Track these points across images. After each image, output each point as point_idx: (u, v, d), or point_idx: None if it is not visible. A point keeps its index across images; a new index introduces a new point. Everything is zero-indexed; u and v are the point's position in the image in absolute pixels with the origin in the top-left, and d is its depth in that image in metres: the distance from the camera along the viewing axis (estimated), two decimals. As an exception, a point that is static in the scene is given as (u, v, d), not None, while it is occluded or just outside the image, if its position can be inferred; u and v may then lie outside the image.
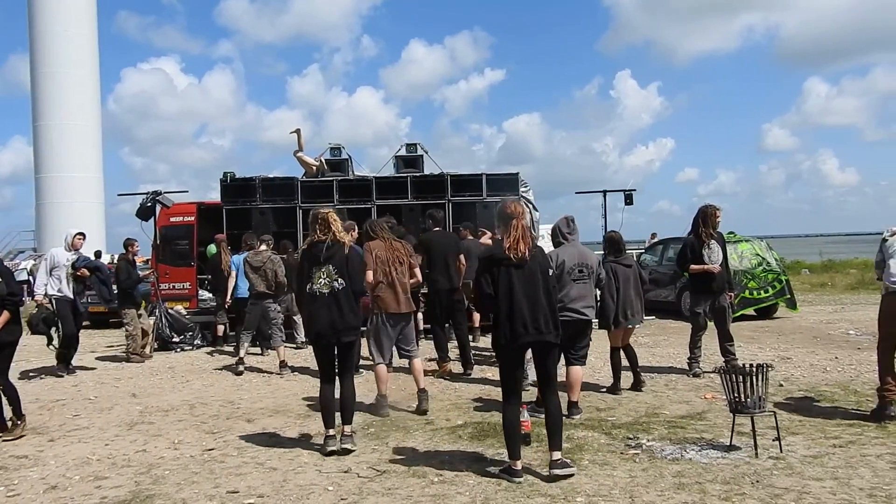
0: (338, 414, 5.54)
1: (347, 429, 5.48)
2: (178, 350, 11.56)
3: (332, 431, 5.45)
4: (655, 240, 18.92)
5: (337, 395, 5.58)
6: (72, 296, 9.33)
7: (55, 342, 9.25)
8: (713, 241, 7.80)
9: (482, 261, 4.80)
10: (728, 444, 5.18)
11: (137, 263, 28.64)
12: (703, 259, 7.80)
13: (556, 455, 4.65)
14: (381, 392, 6.72)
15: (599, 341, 10.42)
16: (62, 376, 9.35)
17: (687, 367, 8.09)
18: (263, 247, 9.58)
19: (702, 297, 7.99)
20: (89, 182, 39.77)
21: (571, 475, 4.60)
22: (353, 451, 5.34)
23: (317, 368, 5.75)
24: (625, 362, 7.35)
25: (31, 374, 9.79)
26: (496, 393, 7.13)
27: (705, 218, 7.87)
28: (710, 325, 8.04)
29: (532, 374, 6.16)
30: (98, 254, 26.29)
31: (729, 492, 4.32)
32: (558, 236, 6.48)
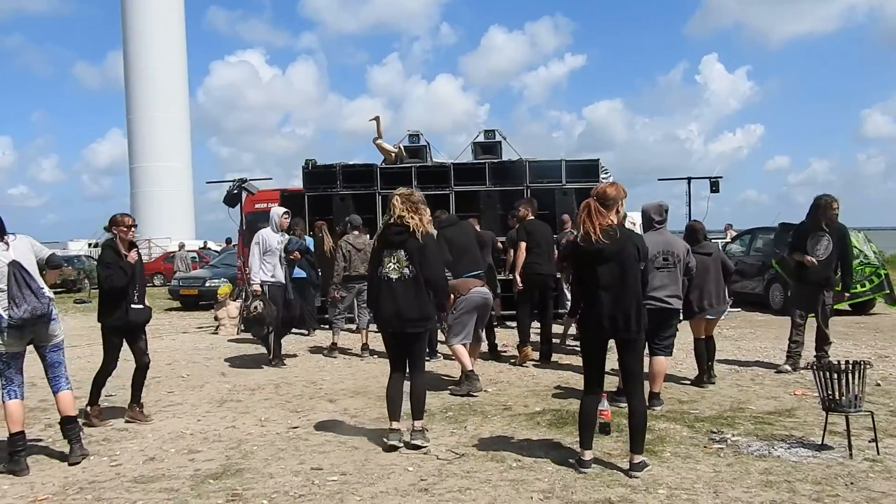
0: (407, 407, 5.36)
1: (417, 424, 5.23)
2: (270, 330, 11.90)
3: (395, 425, 5.21)
4: (730, 231, 18.31)
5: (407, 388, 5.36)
6: (284, 281, 8.75)
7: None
8: (823, 234, 7.47)
9: (573, 249, 4.72)
10: (820, 443, 4.98)
11: (216, 248, 29.56)
12: (807, 249, 7.51)
13: (637, 458, 4.52)
14: (467, 368, 6.82)
15: (684, 332, 10.23)
16: (275, 365, 8.76)
17: (775, 363, 7.82)
18: (356, 231, 9.64)
19: (799, 289, 7.73)
20: (179, 171, 41.63)
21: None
22: (423, 447, 5.11)
23: None
24: (720, 356, 7.17)
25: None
26: (575, 381, 7.11)
27: (817, 209, 7.53)
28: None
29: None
30: (228, 241, 27.32)
31: (820, 493, 4.16)
32: (649, 223, 6.34)
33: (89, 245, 39.40)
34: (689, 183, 13.80)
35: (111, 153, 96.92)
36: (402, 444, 5.15)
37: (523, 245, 8.34)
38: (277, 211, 9.00)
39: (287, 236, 9.06)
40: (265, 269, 8.63)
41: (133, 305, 6.15)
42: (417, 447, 5.10)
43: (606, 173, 12.93)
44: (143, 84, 40.62)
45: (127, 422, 6.15)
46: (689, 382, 7.17)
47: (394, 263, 5.16)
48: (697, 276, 6.86)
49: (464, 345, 7.00)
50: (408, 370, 5.35)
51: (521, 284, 8.40)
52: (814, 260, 7.43)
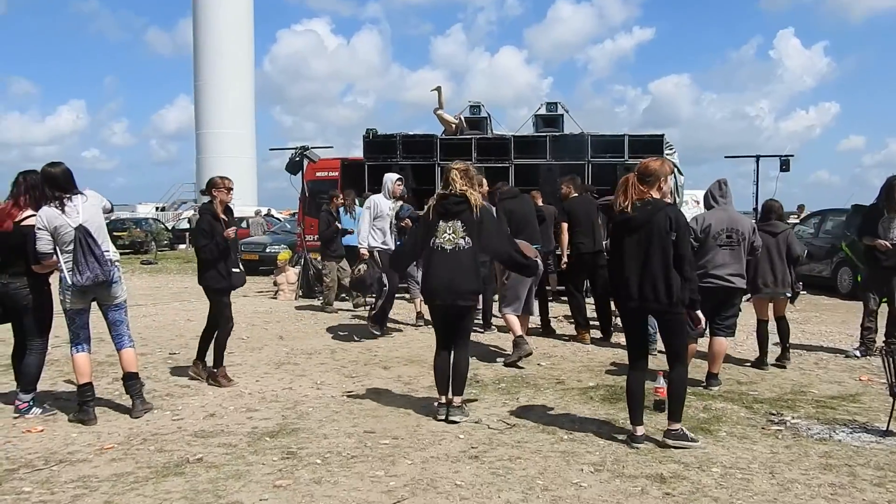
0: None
1: (457, 399, 5.16)
2: (320, 298, 12.15)
3: (444, 398, 5.18)
4: (803, 212, 17.69)
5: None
6: (393, 247, 8.56)
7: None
8: (894, 217, 7.16)
9: (613, 226, 4.70)
10: (885, 429, 4.81)
11: (284, 217, 30.26)
12: (878, 232, 7.22)
13: (675, 426, 4.49)
14: (516, 334, 6.89)
15: (746, 314, 9.98)
16: (376, 336, 8.54)
17: (841, 348, 7.57)
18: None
19: (872, 273, 7.46)
20: (243, 138, 42.37)
21: (684, 448, 4.45)
22: (459, 422, 5.03)
23: None
24: (774, 338, 6.97)
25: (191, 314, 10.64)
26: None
27: (890, 190, 7.23)
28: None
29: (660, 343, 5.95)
30: (268, 211, 27.87)
31: (883, 478, 4.03)
32: (710, 200, 6.22)
33: (157, 209, 40.74)
34: (757, 161, 13.30)
35: (179, 119, 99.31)
36: (447, 420, 5.10)
37: (565, 226, 8.24)
38: (391, 177, 8.85)
39: (399, 203, 8.96)
40: (374, 235, 8.58)
41: (234, 269, 6.26)
42: (455, 423, 5.03)
43: (671, 149, 12.61)
44: (211, 51, 41.35)
45: (210, 383, 6.23)
46: (749, 364, 6.99)
47: (449, 234, 5.06)
48: (761, 253, 6.67)
49: (516, 315, 6.99)
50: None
51: (563, 265, 8.33)
52: (887, 244, 7.12)
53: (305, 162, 12.81)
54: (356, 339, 8.47)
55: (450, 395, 5.18)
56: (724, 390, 5.98)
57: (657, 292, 4.38)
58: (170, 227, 32.00)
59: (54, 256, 5.02)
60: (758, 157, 13.36)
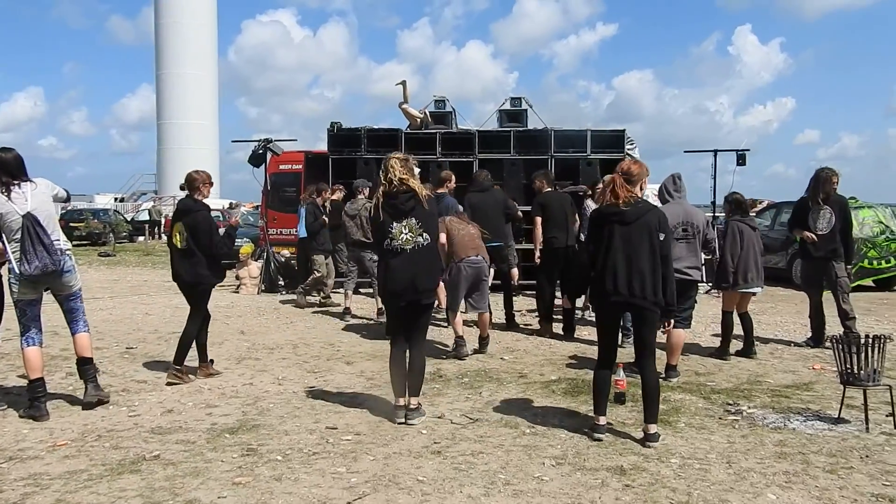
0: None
1: (414, 401, 4.98)
2: (284, 292, 12.06)
3: (402, 401, 5.00)
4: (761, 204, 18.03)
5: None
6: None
7: None
8: (824, 208, 7.35)
9: (591, 216, 4.72)
10: (836, 416, 4.94)
11: (247, 209, 29.97)
12: (808, 224, 7.40)
13: (652, 429, 4.49)
14: (458, 333, 7.04)
15: (703, 305, 10.14)
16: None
17: (795, 338, 7.76)
18: (363, 195, 9.67)
19: (807, 264, 7.76)
20: (205, 129, 41.79)
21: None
22: (417, 424, 4.87)
23: None
24: (738, 330, 7.09)
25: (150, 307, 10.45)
26: (592, 351, 7.06)
27: (817, 182, 7.42)
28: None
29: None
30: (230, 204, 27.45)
31: (835, 465, 4.13)
32: (664, 194, 6.33)
33: (115, 199, 39.93)
34: (715, 155, 13.52)
35: (141, 108, 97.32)
36: (405, 423, 4.95)
37: (539, 220, 8.25)
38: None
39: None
40: None
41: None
42: (413, 425, 4.88)
43: (632, 144, 12.73)
44: (173, 40, 40.68)
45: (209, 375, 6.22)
46: (708, 355, 7.11)
47: (406, 234, 4.85)
48: (745, 247, 6.79)
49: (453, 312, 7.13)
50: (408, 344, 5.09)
51: (538, 259, 8.35)
52: (813, 236, 7.34)
53: (269, 155, 12.65)
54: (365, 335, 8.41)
55: (405, 399, 5.00)
56: (683, 381, 6.08)
57: (644, 288, 4.42)
58: (129, 219, 31.40)
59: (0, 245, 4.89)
60: (715, 152, 13.58)
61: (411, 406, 4.99)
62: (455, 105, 13.36)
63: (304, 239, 11.73)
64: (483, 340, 7.33)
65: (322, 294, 10.95)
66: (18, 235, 4.84)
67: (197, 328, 6.20)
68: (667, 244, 4.59)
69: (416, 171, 5.09)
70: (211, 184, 6.21)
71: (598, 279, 4.56)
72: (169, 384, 5.94)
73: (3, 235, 4.89)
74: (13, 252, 4.87)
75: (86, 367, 5.28)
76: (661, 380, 5.94)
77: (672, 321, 4.95)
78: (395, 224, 4.87)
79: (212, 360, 6.44)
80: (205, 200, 6.22)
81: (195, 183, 6.12)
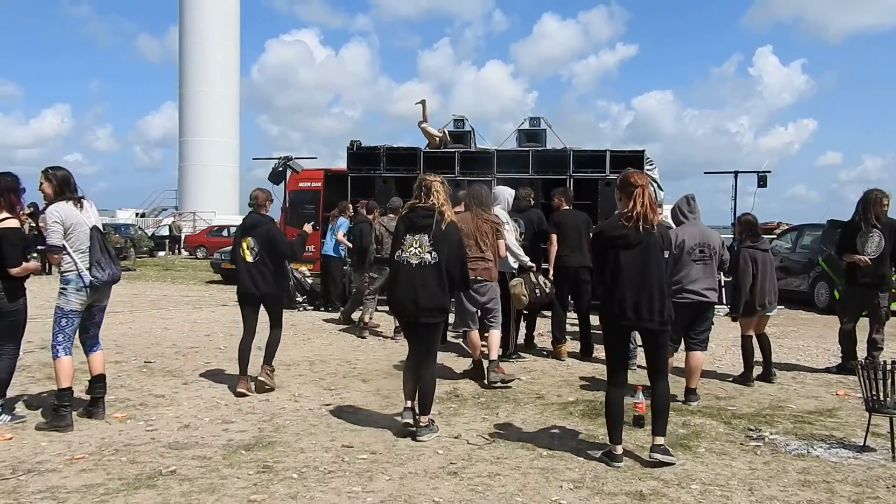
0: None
1: (423, 419, 5.02)
2: (301, 309, 12.08)
3: (409, 403, 5.11)
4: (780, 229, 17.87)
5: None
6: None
7: None
8: (873, 231, 7.13)
9: (595, 236, 4.66)
10: (861, 444, 4.84)
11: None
12: (857, 247, 7.22)
13: (659, 440, 4.45)
14: (476, 357, 6.89)
15: (721, 328, 10.02)
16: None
17: (818, 362, 7.63)
18: (393, 214, 9.68)
19: (850, 290, 7.44)
20: (227, 147, 42.24)
21: (671, 464, 4.41)
22: (425, 441, 4.88)
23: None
24: (757, 353, 6.99)
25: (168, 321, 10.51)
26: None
27: (867, 204, 7.18)
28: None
29: (641, 358, 5.92)
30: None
31: (860, 494, 4.04)
32: (678, 215, 6.25)
33: (136, 214, 40.34)
34: (735, 177, 13.47)
35: (165, 125, 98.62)
36: (414, 434, 4.98)
37: (554, 237, 8.14)
38: (509, 191, 8.13)
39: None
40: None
41: None
42: (423, 442, 4.87)
43: (651, 164, 12.71)
44: (196, 59, 41.30)
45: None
46: (730, 379, 7.00)
47: (415, 248, 4.96)
48: (759, 272, 6.70)
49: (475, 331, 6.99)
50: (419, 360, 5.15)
51: (551, 278, 8.24)
52: (866, 259, 7.14)
53: (288, 172, 12.75)
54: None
55: (416, 406, 5.09)
56: (703, 405, 5.99)
57: (652, 311, 4.37)
58: (150, 234, 31.70)
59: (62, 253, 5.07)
60: (736, 174, 13.51)
61: (421, 423, 5.01)
62: (474, 124, 13.43)
63: (330, 257, 11.80)
64: (490, 364, 6.64)
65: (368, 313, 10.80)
66: (86, 246, 5.10)
67: (279, 334, 6.67)
68: (669, 262, 4.55)
69: (441, 192, 5.10)
70: (271, 201, 6.78)
71: (605, 303, 4.51)
72: (260, 383, 6.29)
73: (69, 247, 5.07)
74: (82, 261, 5.08)
75: (101, 383, 5.42)
76: (681, 403, 5.92)
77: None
78: (408, 236, 5.02)
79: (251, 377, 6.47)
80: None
81: (260, 200, 6.57)
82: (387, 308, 10.38)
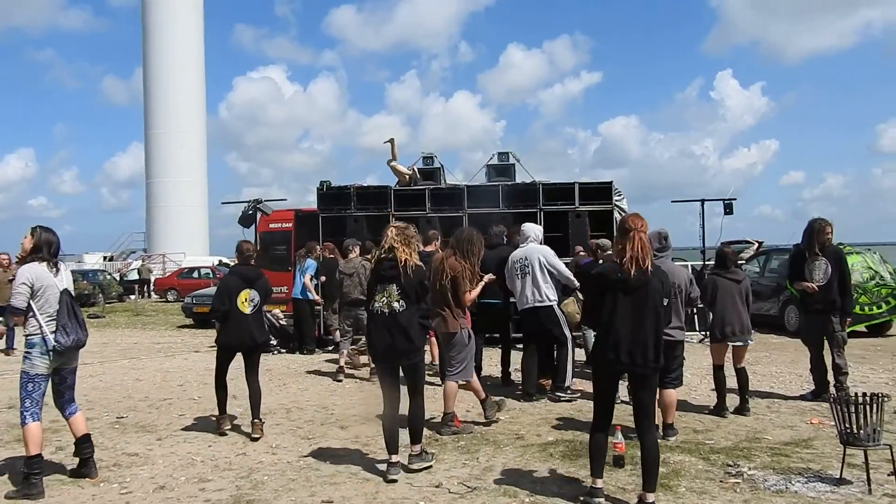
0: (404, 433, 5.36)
1: (416, 448, 5.31)
2: (276, 352, 11.96)
3: (395, 458, 5.19)
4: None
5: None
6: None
7: None
8: (819, 259, 7.37)
9: (591, 278, 4.67)
10: (838, 476, 4.89)
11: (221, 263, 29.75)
12: (805, 275, 7.44)
13: (650, 497, 4.40)
14: (482, 396, 6.77)
15: (696, 356, 10.13)
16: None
17: (791, 389, 7.73)
18: (355, 253, 9.74)
19: (807, 318, 7.68)
20: (195, 186, 41.93)
21: None
22: (421, 470, 5.19)
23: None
24: (732, 383, 7.05)
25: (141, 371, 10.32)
26: (589, 408, 7.01)
27: (811, 233, 7.46)
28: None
29: (624, 392, 5.95)
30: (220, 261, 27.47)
31: (839, 530, 4.08)
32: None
33: (104, 258, 39.73)
34: (702, 205, 13.68)
35: (132, 166, 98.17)
36: (399, 476, 5.12)
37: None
38: (537, 228, 8.15)
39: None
40: (549, 290, 7.69)
41: None
42: (417, 471, 5.15)
43: (620, 195, 12.90)
44: (161, 100, 41.13)
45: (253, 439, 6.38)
46: (706, 412, 7.04)
47: (385, 298, 5.25)
48: (720, 301, 6.81)
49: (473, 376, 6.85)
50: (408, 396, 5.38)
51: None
52: (813, 286, 7.33)
53: (259, 214, 12.70)
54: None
55: (399, 454, 5.24)
56: (682, 440, 6.02)
57: (646, 356, 4.37)
58: (119, 278, 31.18)
59: (26, 315, 5.01)
60: (703, 202, 13.74)
61: (413, 452, 5.27)
62: (443, 154, 13.65)
63: (300, 300, 11.82)
64: (444, 417, 6.54)
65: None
66: (56, 309, 5.03)
67: (258, 383, 6.74)
68: (669, 309, 4.55)
69: (414, 241, 5.39)
70: (258, 251, 6.86)
71: (599, 346, 4.51)
72: (255, 439, 6.33)
73: (36, 309, 5.00)
74: (48, 325, 5.00)
75: (87, 444, 5.34)
76: (660, 439, 5.91)
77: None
78: (378, 286, 5.32)
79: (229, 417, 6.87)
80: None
81: (250, 251, 6.87)
82: (363, 348, 10.43)
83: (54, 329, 5.01)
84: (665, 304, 4.54)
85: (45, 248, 5.17)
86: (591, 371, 4.78)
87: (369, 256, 9.51)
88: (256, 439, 6.32)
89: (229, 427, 6.63)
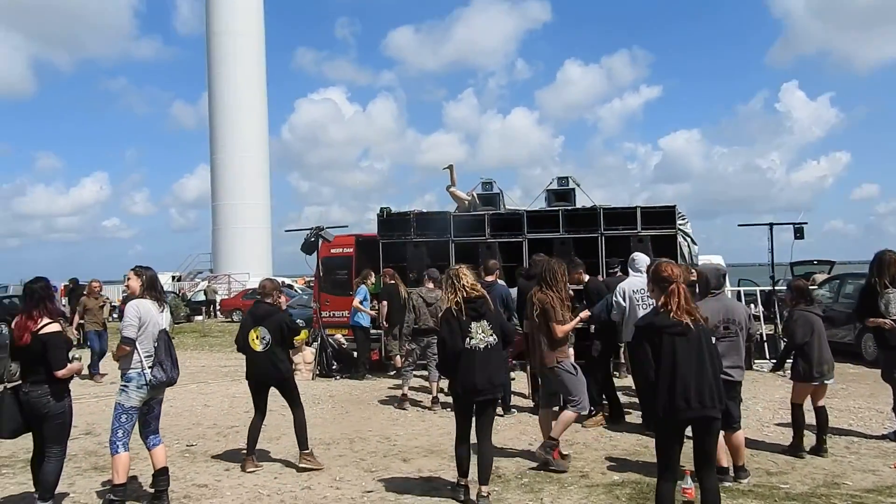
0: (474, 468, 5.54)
1: (484, 489, 5.41)
2: (338, 378, 12.09)
3: (463, 481, 5.56)
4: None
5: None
6: None
7: None
8: (891, 291, 7.01)
9: (640, 329, 4.51)
10: (925, 529, 4.64)
11: (299, 286, 30.38)
12: (880, 310, 7.04)
13: None
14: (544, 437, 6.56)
15: (766, 387, 9.79)
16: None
17: (871, 427, 7.39)
18: (431, 284, 9.74)
19: (887, 354, 7.22)
20: (258, 209, 42.93)
21: None
22: None
23: None
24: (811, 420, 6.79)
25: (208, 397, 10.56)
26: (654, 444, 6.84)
27: (881, 265, 7.09)
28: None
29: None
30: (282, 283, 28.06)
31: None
32: (705, 287, 6.04)
33: (173, 278, 40.96)
34: (770, 229, 13.21)
35: (199, 187, 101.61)
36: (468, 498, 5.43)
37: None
38: (644, 259, 8.18)
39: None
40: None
41: None
42: None
43: (683, 219, 12.62)
44: (225, 125, 42.35)
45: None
46: (779, 450, 6.78)
47: (481, 334, 5.46)
48: (815, 338, 6.57)
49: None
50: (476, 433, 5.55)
51: None
52: (889, 321, 6.96)
53: (320, 241, 12.91)
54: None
55: (468, 480, 5.52)
56: (755, 483, 5.81)
57: (713, 397, 4.27)
58: (186, 300, 32.07)
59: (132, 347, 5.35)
60: (771, 226, 13.30)
61: (482, 494, 5.38)
62: (501, 171, 13.80)
63: (355, 326, 12.07)
64: (547, 441, 6.43)
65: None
66: (152, 346, 5.37)
67: (303, 413, 6.72)
68: (716, 348, 4.53)
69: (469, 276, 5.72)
70: (282, 292, 7.00)
71: (665, 396, 4.32)
72: (303, 470, 6.46)
73: (137, 344, 5.33)
74: (147, 360, 5.34)
75: (163, 476, 5.58)
76: (732, 482, 5.73)
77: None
78: (473, 325, 5.48)
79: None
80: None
81: (268, 289, 6.89)
82: (424, 374, 10.45)
83: (151, 364, 5.34)
84: (714, 340, 4.48)
85: (151, 286, 5.56)
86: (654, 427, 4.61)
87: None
88: (303, 470, 6.44)
89: (253, 469, 6.49)
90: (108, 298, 15.89)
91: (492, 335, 5.48)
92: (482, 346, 5.44)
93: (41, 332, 5.22)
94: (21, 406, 5.26)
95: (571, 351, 6.89)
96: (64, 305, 25.18)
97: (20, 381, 5.33)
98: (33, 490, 5.41)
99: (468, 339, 5.45)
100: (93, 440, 7.74)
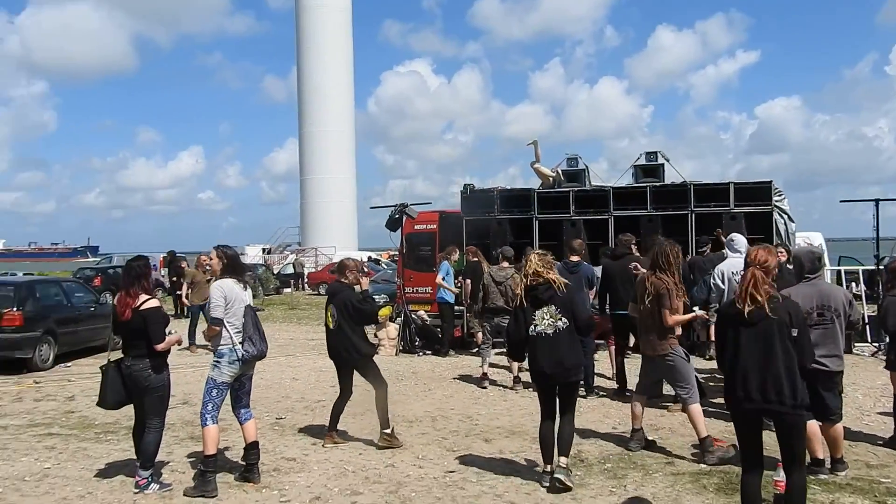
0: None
1: (563, 461, 5.45)
2: (421, 354, 12.24)
3: (549, 467, 5.50)
4: None
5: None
6: None
7: None
8: None
9: (718, 315, 4.44)
10: None
11: (385, 259, 30.85)
12: None
13: None
14: (703, 434, 6.15)
15: (868, 373, 9.30)
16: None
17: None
18: (506, 262, 9.74)
19: None
20: (344, 182, 43.80)
21: None
22: (567, 485, 5.30)
23: None
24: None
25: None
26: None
27: None
28: None
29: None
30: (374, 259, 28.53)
31: None
32: (800, 270, 5.73)
33: (263, 250, 42.38)
34: (876, 205, 12.42)
35: (288, 161, 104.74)
36: (553, 481, 5.38)
37: None
38: (742, 240, 7.99)
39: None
40: None
41: None
42: (561, 482, 5.29)
43: (780, 195, 12.01)
44: (313, 99, 43.26)
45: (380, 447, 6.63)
46: (880, 443, 6.45)
47: (548, 319, 5.47)
48: None
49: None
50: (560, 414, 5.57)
51: None
52: None
53: (404, 218, 13.02)
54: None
55: (554, 463, 5.47)
56: (853, 476, 5.54)
57: (781, 392, 4.09)
58: (276, 272, 33.11)
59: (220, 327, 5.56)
60: (877, 202, 12.50)
61: (561, 465, 5.42)
62: (587, 144, 13.77)
63: (440, 302, 12.13)
64: (706, 441, 6.10)
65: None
66: (240, 322, 5.57)
67: (384, 392, 6.77)
68: (803, 338, 4.22)
69: (553, 265, 5.74)
70: (361, 271, 6.96)
71: (728, 384, 4.28)
72: (381, 448, 6.59)
73: (226, 321, 5.54)
74: (236, 336, 5.55)
75: (255, 450, 5.77)
76: (828, 474, 5.49)
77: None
78: (536, 312, 5.51)
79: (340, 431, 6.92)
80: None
81: (343, 268, 6.92)
82: (503, 350, 10.46)
83: (241, 340, 5.53)
84: (795, 334, 4.16)
85: (234, 265, 5.74)
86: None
87: (518, 266, 9.55)
88: (381, 448, 6.57)
89: (332, 445, 6.70)
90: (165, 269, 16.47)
91: (560, 319, 5.45)
92: (550, 332, 5.44)
93: (142, 307, 5.50)
94: (124, 379, 5.58)
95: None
96: (163, 276, 26.57)
97: (122, 356, 5.63)
98: (135, 458, 5.73)
99: (533, 325, 5.50)
100: (189, 410, 8.12)
